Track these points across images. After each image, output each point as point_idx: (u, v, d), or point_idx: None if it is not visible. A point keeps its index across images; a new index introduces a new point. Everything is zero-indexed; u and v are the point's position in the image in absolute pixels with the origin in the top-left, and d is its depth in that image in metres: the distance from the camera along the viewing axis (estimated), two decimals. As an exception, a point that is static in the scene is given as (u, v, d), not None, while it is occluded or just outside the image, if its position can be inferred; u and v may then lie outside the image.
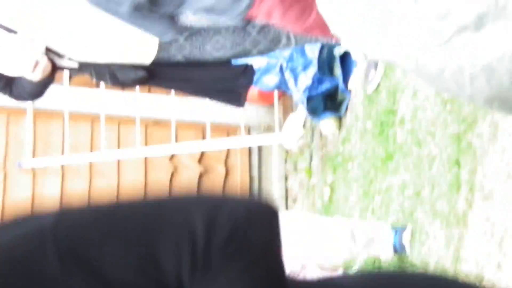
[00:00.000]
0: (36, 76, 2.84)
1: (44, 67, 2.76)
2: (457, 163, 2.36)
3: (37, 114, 4.26)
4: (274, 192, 4.55)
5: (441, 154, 2.49)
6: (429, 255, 2.45)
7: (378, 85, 3.17)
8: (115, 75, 3.13)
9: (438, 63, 1.75)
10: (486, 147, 2.20)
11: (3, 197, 4.28)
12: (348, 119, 3.55)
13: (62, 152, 4.20)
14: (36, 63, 2.76)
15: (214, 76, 3.29)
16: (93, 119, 4.40)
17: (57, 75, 3.31)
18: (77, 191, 4.38)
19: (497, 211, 2.09)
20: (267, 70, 3.63)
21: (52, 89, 3.40)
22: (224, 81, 3.37)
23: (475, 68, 1.89)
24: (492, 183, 2.15)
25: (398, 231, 2.50)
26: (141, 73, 3.20)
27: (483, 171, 2.20)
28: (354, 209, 3.24)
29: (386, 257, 2.51)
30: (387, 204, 2.87)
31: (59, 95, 4.21)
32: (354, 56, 3.37)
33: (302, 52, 3.62)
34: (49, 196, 4.35)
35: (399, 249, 2.49)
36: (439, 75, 1.97)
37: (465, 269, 2.21)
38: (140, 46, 2.69)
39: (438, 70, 1.95)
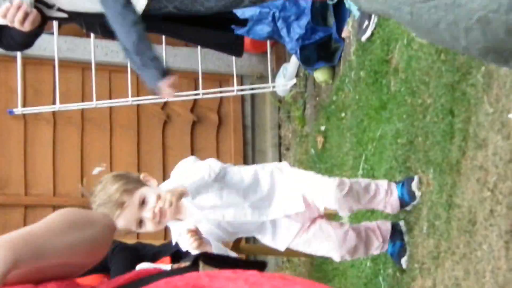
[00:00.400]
0: (25, 27, 2.81)
1: (33, 17, 2.73)
2: (451, 112, 2.38)
3: (27, 61, 4.22)
4: (267, 140, 4.59)
5: (434, 103, 2.51)
6: (422, 203, 2.50)
7: (372, 34, 3.17)
8: (105, 26, 3.10)
9: (433, 15, 1.76)
10: (480, 97, 2.23)
11: (-4, 144, 4.29)
12: (341, 68, 3.56)
13: (53, 100, 4.19)
14: (25, 14, 2.72)
15: (209, 29, 3.26)
16: (84, 67, 4.37)
17: (47, 24, 3.28)
18: (70, 138, 4.39)
19: (490, 159, 2.13)
20: (259, 19, 3.61)
21: (41, 37, 3.37)
22: (220, 33, 3.35)
23: (471, 20, 1.89)
24: (486, 132, 2.18)
25: (405, 182, 2.51)
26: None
27: (476, 120, 2.23)
28: (347, 157, 3.28)
29: (393, 211, 2.53)
30: (380, 153, 2.91)
31: (49, 43, 4.17)
32: (347, 4, 3.36)
33: (295, 1, 3.60)
34: (41, 143, 4.36)
35: (408, 200, 2.51)
36: (434, 28, 1.98)
37: (458, 216, 2.27)
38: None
39: (433, 22, 1.96)
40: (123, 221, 2.13)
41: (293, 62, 4.04)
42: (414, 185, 2.50)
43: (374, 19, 3.17)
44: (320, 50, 3.58)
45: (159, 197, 2.15)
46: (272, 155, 4.47)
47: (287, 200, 2.35)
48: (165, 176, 3.92)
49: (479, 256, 2.15)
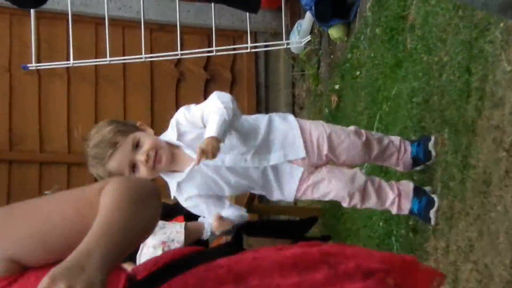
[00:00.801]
0: None
1: None
2: (468, 70, 2.32)
3: (40, 15, 4.19)
4: (280, 98, 4.54)
5: (451, 61, 2.45)
6: (436, 163, 2.46)
7: (390, -11, 3.09)
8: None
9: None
10: (498, 54, 2.17)
11: (10, 98, 4.29)
12: (356, 25, 3.48)
13: (67, 55, 4.16)
14: None
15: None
16: (97, 22, 4.33)
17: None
18: (84, 95, 4.37)
19: (507, 118, 2.08)
20: (274, -26, 3.53)
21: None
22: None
23: (491, -27, 1.83)
24: (503, 90, 2.12)
25: (422, 141, 2.44)
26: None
27: (494, 79, 2.17)
28: (361, 116, 3.23)
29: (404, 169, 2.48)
30: (395, 112, 2.86)
31: (62, -3, 4.12)
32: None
33: (311, -45, 3.51)
34: (55, 98, 4.35)
35: (423, 159, 2.44)
36: (453, -19, 1.92)
37: (473, 176, 2.23)
38: None
39: (452, -25, 1.90)
40: (115, 162, 2.09)
41: (308, 18, 3.97)
42: (431, 145, 2.44)
43: (391, -26, 3.08)
44: (335, 6, 3.51)
45: (155, 145, 2.11)
46: (286, 114, 4.44)
47: (288, 146, 2.27)
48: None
49: (493, 217, 2.11)
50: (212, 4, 3.96)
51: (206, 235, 2.90)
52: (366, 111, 3.19)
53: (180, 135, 2.18)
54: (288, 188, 2.31)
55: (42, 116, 4.31)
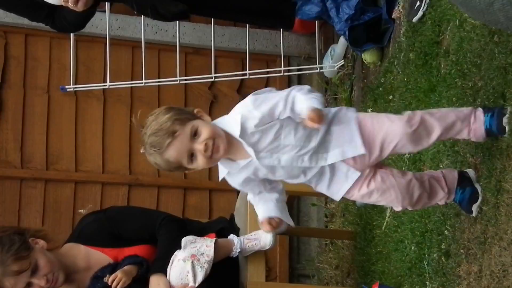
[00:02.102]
0: (79, 7, 2.86)
1: None
2: (503, 95, 2.33)
3: (79, 39, 4.30)
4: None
5: (486, 86, 2.46)
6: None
7: (424, 15, 3.12)
8: (156, 8, 3.13)
9: (487, -5, 1.71)
10: (533, 80, 2.18)
11: (48, 119, 4.39)
12: (390, 50, 3.51)
13: (104, 77, 4.26)
14: None
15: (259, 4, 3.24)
16: (134, 45, 4.43)
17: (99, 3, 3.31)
18: (119, 116, 4.46)
19: (542, 143, 2.08)
20: (308, -1, 3.58)
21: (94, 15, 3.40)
22: (269, 3, 3.31)
23: (526, -1, 1.85)
24: (538, 115, 2.13)
25: (496, 113, 2.24)
26: (181, 7, 3.20)
27: (529, 104, 2.18)
28: (394, 140, 3.24)
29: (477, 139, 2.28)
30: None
31: (100, 20, 4.23)
32: (399, -15, 3.31)
33: (345, -19, 3.56)
34: (92, 120, 4.45)
35: (496, 132, 2.25)
36: (488, 8, 1.94)
37: (507, 201, 2.22)
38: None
39: (487, 2, 1.92)
40: (173, 151, 2.07)
41: (341, 43, 4.01)
42: (505, 120, 2.23)
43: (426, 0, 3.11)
44: (369, 31, 3.54)
45: (213, 134, 2.08)
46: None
47: (345, 143, 2.17)
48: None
49: (527, 242, 2.11)
50: (247, 29, 4.03)
51: (235, 252, 2.93)
52: (399, 135, 3.20)
53: (244, 133, 2.12)
54: (337, 188, 2.24)
55: (78, 136, 4.41)
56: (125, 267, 2.83)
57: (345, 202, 3.89)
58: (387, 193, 2.26)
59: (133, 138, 4.37)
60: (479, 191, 2.36)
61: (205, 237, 2.94)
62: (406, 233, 2.94)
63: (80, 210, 4.24)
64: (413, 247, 2.86)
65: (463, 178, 2.37)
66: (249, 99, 2.16)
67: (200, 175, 4.32)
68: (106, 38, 4.06)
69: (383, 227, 3.21)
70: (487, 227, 2.33)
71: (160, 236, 2.97)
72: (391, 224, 3.15)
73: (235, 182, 2.23)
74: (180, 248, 2.84)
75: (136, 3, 3.17)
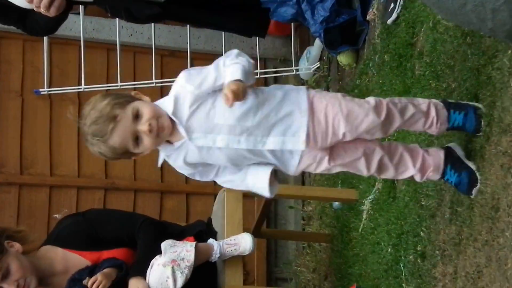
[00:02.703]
0: (51, 12, 2.82)
1: (59, 3, 2.75)
2: (476, 96, 2.34)
3: (53, 41, 4.25)
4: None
5: (459, 87, 2.47)
6: (445, 189, 2.46)
7: (398, 17, 3.13)
8: (130, 11, 3.10)
9: (460, -4, 1.71)
10: (506, 81, 2.18)
11: (22, 122, 4.33)
12: (365, 51, 3.51)
13: (79, 81, 4.22)
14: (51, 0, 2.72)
15: (231, 10, 3.22)
16: (109, 48, 4.39)
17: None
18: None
19: (515, 144, 2.09)
20: (283, 1, 3.58)
21: (68, 18, 3.36)
22: (242, 14, 3.31)
23: (498, 1, 1.86)
24: (511, 116, 2.14)
25: (471, 112, 2.23)
26: (156, 10, 3.17)
27: (502, 105, 2.18)
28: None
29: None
30: (403, 138, 2.88)
31: (75, 23, 4.19)
32: (373, -13, 3.31)
33: (320, -17, 3.56)
34: (66, 123, 4.40)
35: (473, 131, 2.24)
36: (461, 9, 1.95)
37: (481, 202, 2.23)
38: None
39: (460, 3, 1.93)
40: (117, 136, 1.99)
41: (317, 45, 4.01)
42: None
43: (400, 1, 3.12)
44: (344, 33, 3.54)
45: (155, 113, 1.99)
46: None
47: (289, 133, 2.05)
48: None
49: (502, 243, 2.11)
50: (222, 31, 4.01)
51: (215, 257, 2.91)
52: (375, 137, 3.20)
53: (176, 111, 2.03)
54: (287, 164, 2.12)
55: (53, 140, 4.36)
56: (104, 270, 2.80)
57: (322, 204, 3.88)
58: (349, 167, 2.16)
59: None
60: (476, 173, 2.23)
61: (184, 241, 2.92)
62: (382, 235, 2.95)
63: (55, 215, 4.19)
64: (389, 249, 2.86)
65: (454, 161, 2.24)
66: (182, 74, 2.07)
67: (177, 179, 4.29)
68: (81, 40, 4.02)
69: (360, 230, 3.21)
70: (461, 228, 2.33)
71: (139, 239, 2.95)
72: (367, 226, 3.15)
73: (176, 165, 2.13)
74: (159, 251, 2.82)
75: (110, 6, 3.13)
